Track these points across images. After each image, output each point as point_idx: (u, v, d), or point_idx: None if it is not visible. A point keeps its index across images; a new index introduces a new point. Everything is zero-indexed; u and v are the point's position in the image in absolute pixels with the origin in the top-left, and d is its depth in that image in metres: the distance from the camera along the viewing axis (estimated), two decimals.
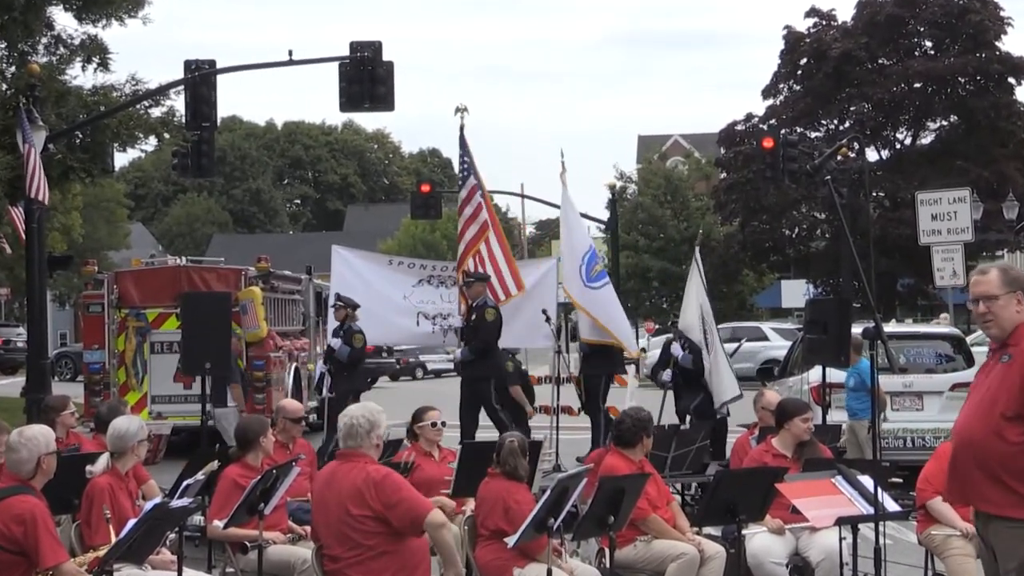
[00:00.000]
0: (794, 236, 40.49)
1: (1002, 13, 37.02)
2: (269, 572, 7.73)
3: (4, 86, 20.66)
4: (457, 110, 15.15)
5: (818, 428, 9.80)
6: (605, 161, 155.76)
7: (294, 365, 19.08)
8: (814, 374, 13.57)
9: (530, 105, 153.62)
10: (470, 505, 8.35)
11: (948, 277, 23.29)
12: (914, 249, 27.86)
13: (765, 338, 35.18)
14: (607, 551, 7.36)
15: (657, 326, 43.54)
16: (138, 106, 20.90)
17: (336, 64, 18.49)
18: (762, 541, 8.16)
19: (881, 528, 7.35)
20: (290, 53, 18.69)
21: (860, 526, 7.43)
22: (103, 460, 7.48)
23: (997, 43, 36.72)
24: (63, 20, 31.02)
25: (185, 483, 7.91)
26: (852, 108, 38.00)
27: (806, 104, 38.20)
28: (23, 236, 19.33)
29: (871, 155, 38.12)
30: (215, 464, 8.16)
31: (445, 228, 56.21)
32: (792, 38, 38.87)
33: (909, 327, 17.45)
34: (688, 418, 14.29)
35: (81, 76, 22.36)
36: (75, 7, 21.59)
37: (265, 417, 10.69)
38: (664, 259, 47.04)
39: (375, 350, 32.23)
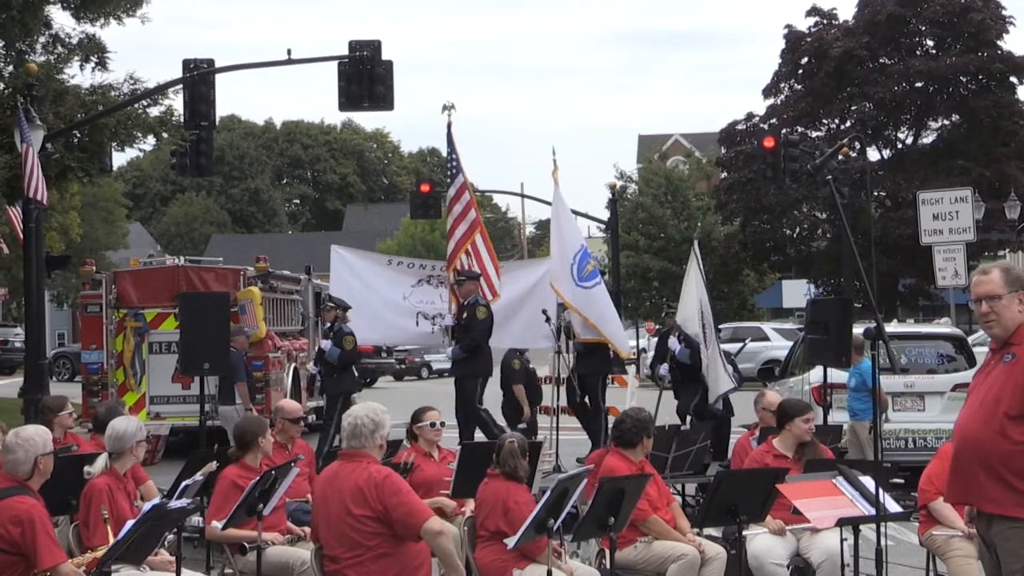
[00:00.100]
0: (795, 236, 40.49)
1: (1004, 12, 37.02)
2: (268, 573, 7.72)
3: (2, 85, 20.66)
4: (444, 108, 15.13)
5: (819, 429, 9.79)
6: (605, 160, 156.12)
7: (293, 365, 19.05)
8: (815, 374, 13.55)
9: (530, 104, 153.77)
10: (470, 506, 8.33)
11: (950, 277, 23.25)
12: (916, 249, 27.86)
13: (766, 338, 35.17)
14: (607, 552, 7.35)
15: (657, 326, 43.42)
16: (136, 105, 20.90)
17: (335, 63, 18.47)
18: (763, 542, 8.15)
19: (882, 529, 7.32)
20: (289, 52, 18.67)
21: (861, 527, 7.39)
22: (101, 461, 7.46)
23: (999, 42, 36.72)
24: (61, 19, 31.08)
25: (183, 484, 7.89)
26: (853, 107, 37.97)
27: (807, 103, 38.19)
28: (21, 236, 19.32)
29: (872, 154, 38.18)
30: (213, 465, 8.14)
31: (445, 228, 55.98)
32: (793, 37, 38.85)
33: (911, 327, 17.39)
34: (688, 419, 14.27)
35: (79, 75, 22.42)
36: (73, 6, 21.59)
37: (264, 418, 10.66)
38: (664, 259, 46.98)
39: (374, 350, 32.26)
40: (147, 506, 6.59)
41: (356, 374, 15.75)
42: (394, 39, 76.39)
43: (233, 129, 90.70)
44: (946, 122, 38.54)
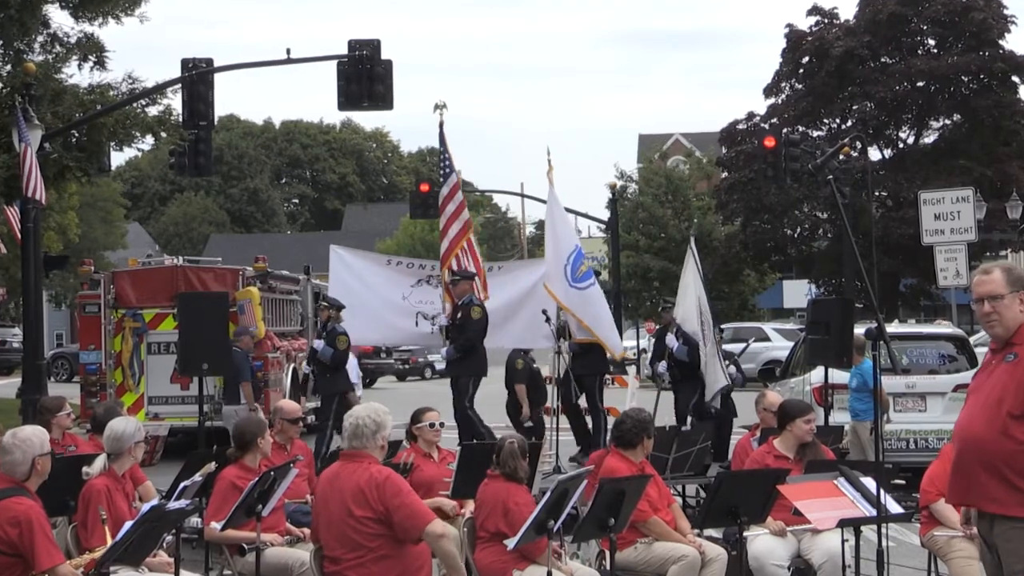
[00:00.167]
0: (796, 236, 40.44)
1: (1005, 11, 36.95)
2: (267, 574, 7.71)
3: (0, 85, 20.60)
4: (436, 107, 15.10)
5: (820, 429, 9.77)
6: (605, 160, 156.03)
7: (292, 366, 19.01)
8: (816, 375, 13.53)
9: (530, 104, 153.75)
10: (470, 507, 8.30)
11: (951, 277, 23.22)
12: (917, 249, 27.83)
13: (767, 339, 35.13)
14: (607, 553, 7.32)
15: (658, 326, 43.38)
16: (135, 105, 20.87)
17: (334, 62, 18.44)
18: (764, 543, 8.13)
19: (884, 530, 7.29)
20: (288, 51, 18.62)
21: (863, 528, 7.38)
22: (99, 462, 7.45)
23: (1000, 41, 36.66)
24: (59, 18, 31.02)
25: (182, 485, 7.87)
26: (854, 107, 37.94)
27: (808, 103, 38.15)
28: (19, 236, 19.28)
29: (873, 154, 38.11)
30: (212, 465, 8.12)
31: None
32: (794, 36, 38.81)
33: (912, 327, 17.35)
34: (689, 419, 14.23)
35: (77, 74, 22.44)
36: (71, 5, 21.58)
37: (263, 418, 10.64)
38: (665, 259, 46.92)
39: (373, 351, 32.25)
40: (146, 507, 6.57)
41: (361, 373, 15.72)
42: (394, 39, 76.34)
43: (232, 129, 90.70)
44: (947, 122, 38.50)
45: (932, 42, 38.13)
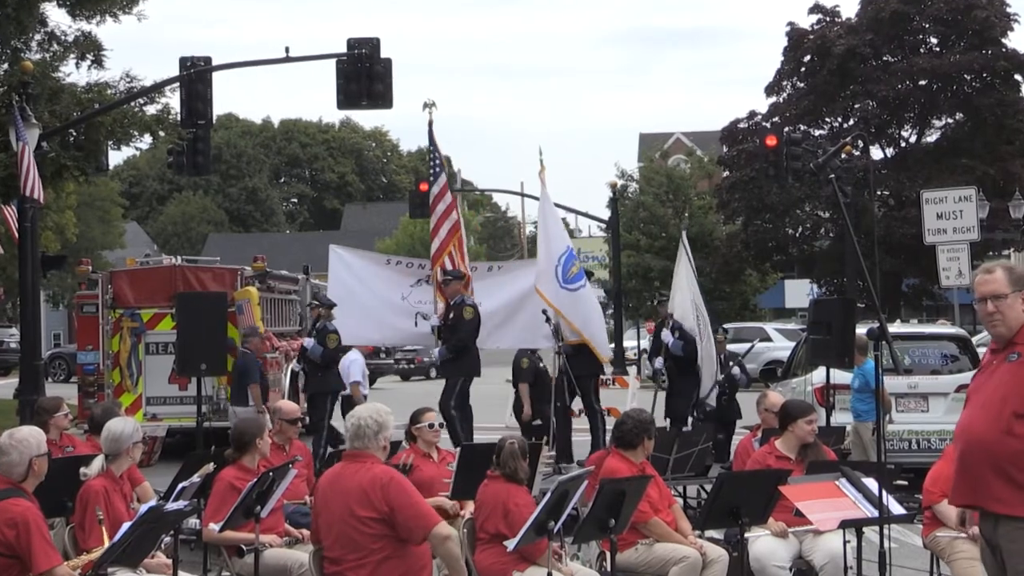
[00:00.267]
0: (797, 235, 40.39)
1: (1008, 10, 36.89)
2: None
3: None
4: (425, 105, 15.04)
5: (822, 430, 9.76)
6: (606, 160, 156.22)
7: (290, 366, 18.97)
8: (818, 375, 13.50)
9: (530, 104, 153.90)
10: (469, 508, 8.28)
11: (954, 277, 23.17)
12: (919, 248, 27.77)
13: (768, 339, 35.07)
14: (608, 555, 7.28)
15: (655, 322, 43.30)
16: (133, 103, 20.84)
17: (333, 61, 18.42)
18: (765, 544, 8.12)
19: (886, 531, 7.25)
20: (287, 50, 18.63)
21: (865, 529, 7.37)
22: (97, 462, 7.44)
23: (1003, 40, 36.60)
24: (57, 17, 30.92)
25: (180, 486, 7.83)
26: (856, 106, 37.89)
27: (810, 102, 38.10)
28: (16, 235, 19.24)
29: (875, 153, 38.05)
30: (211, 466, 8.07)
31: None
32: (796, 35, 38.76)
33: (914, 327, 17.31)
34: (689, 420, 14.19)
35: (75, 73, 22.41)
36: (69, 3, 21.56)
37: (262, 418, 10.61)
38: (666, 258, 46.82)
39: (373, 351, 32.18)
40: (143, 508, 6.55)
41: (367, 372, 15.67)
42: (393, 38, 76.26)
43: (230, 128, 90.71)
44: (950, 120, 38.45)
45: (934, 40, 38.09)
